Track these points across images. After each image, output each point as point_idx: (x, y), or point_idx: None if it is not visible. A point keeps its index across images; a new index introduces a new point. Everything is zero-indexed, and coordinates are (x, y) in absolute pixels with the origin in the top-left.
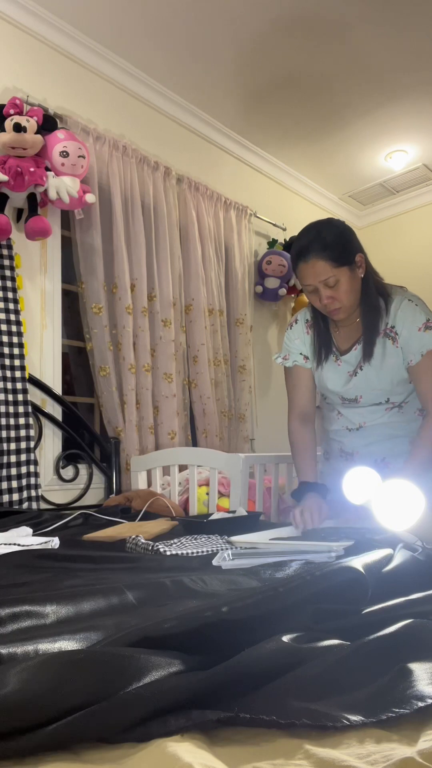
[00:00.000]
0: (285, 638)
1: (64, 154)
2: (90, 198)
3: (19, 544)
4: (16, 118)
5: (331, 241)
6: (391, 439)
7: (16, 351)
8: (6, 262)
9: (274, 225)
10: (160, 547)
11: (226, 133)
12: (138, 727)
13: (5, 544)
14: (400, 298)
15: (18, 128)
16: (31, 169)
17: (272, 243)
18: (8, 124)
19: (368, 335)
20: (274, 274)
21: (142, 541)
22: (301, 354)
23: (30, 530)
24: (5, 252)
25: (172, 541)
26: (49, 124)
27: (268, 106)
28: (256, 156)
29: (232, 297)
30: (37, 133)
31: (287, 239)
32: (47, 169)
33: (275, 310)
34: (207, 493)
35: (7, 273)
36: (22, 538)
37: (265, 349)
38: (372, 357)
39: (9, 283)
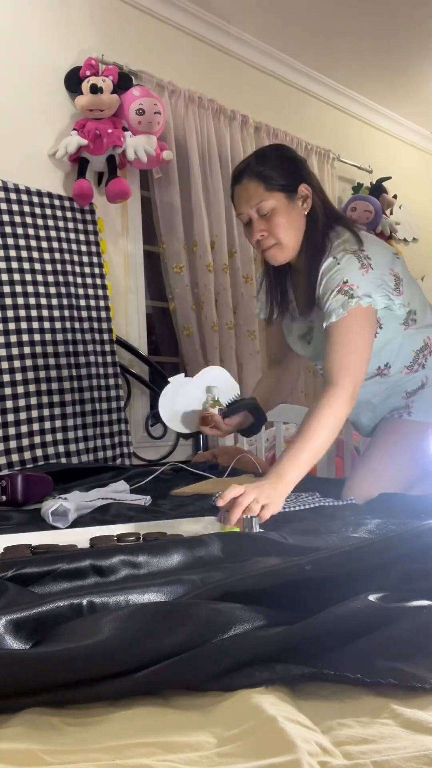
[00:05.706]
0: (371, 597)
1: (140, 112)
2: (167, 155)
3: (114, 499)
4: (92, 79)
5: (268, 161)
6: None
7: (103, 314)
8: (90, 227)
9: (359, 168)
10: None
11: (304, 71)
12: (224, 677)
13: (102, 498)
14: (331, 254)
15: (94, 89)
16: (109, 131)
17: (357, 188)
18: (85, 86)
19: (310, 285)
20: (359, 222)
21: None
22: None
23: (127, 486)
24: (89, 217)
25: None
26: (124, 82)
27: (346, 39)
28: (336, 93)
29: None
30: (113, 92)
31: (374, 182)
32: (124, 129)
33: None
34: None
35: (92, 238)
36: (118, 494)
37: None
38: (311, 312)
39: (93, 248)
